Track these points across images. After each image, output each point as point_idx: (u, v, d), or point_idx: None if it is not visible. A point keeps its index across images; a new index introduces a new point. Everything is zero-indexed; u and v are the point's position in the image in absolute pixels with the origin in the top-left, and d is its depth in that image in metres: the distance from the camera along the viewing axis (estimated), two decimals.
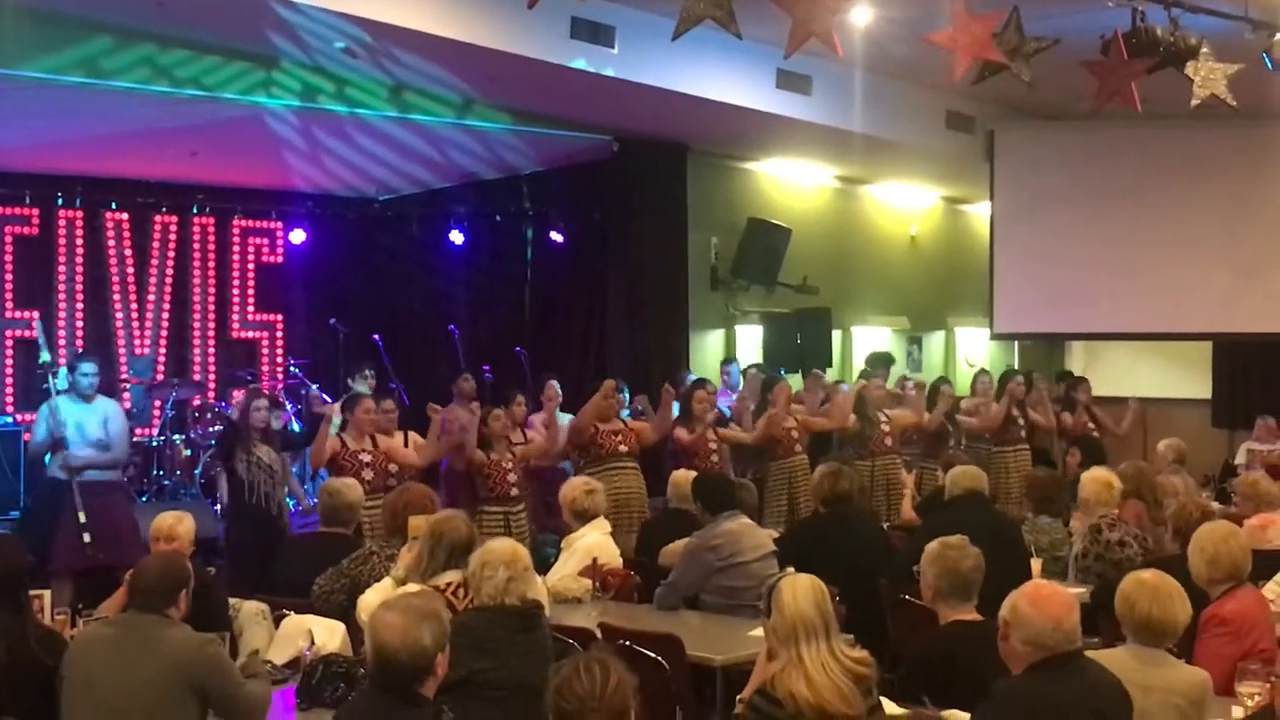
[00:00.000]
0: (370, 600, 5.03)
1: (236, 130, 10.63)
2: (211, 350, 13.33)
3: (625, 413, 9.37)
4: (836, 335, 13.37)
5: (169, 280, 13.00)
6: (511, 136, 11.48)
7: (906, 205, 15.16)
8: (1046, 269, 12.76)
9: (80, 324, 12.48)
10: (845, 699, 3.83)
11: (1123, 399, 11.65)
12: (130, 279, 12.74)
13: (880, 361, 11.24)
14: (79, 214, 12.34)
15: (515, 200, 12.90)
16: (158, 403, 12.00)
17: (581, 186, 12.36)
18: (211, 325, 13.33)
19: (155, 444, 11.27)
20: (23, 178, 11.80)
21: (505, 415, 8.43)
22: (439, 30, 8.46)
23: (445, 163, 12.38)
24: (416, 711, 3.50)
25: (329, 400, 9.80)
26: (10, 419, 11.49)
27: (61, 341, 12.29)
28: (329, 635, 5.03)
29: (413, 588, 4.71)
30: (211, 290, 13.31)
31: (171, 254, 13.01)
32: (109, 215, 12.57)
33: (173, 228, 12.99)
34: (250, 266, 13.60)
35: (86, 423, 8.14)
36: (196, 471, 11.24)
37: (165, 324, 12.99)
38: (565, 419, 9.14)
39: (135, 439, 10.38)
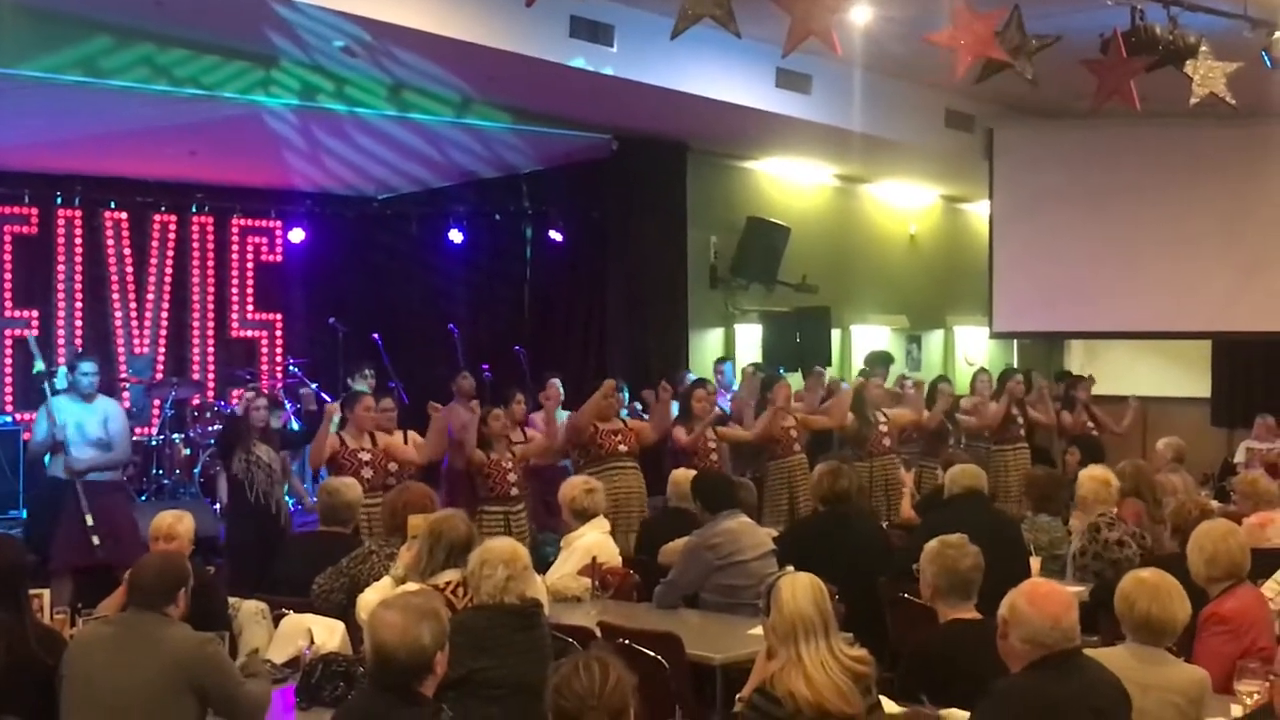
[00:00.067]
0: (369, 599, 5.02)
1: (235, 129, 10.63)
2: (211, 349, 13.34)
3: (624, 412, 9.36)
4: (836, 334, 13.37)
5: (168, 279, 13.01)
6: (511, 135, 11.48)
7: (906, 204, 15.16)
8: (1046, 267, 12.76)
9: (79, 323, 12.49)
10: (844, 697, 3.84)
11: (1122, 397, 11.65)
12: (129, 278, 12.75)
13: (879, 360, 11.23)
14: (78, 213, 12.35)
15: (514, 199, 12.91)
16: (157, 402, 12.01)
17: (581, 185, 12.36)
18: (211, 324, 13.35)
19: (154, 443, 11.27)
20: (22, 177, 11.80)
21: (505, 415, 8.42)
22: (438, 29, 8.47)
23: (444, 162, 12.38)
24: (416, 710, 3.50)
25: (328, 399, 9.79)
26: (9, 418, 11.50)
27: (61, 341, 12.30)
28: (328, 634, 5.03)
29: (412, 586, 4.71)
30: (210, 289, 13.32)
31: (170, 253, 13.02)
32: (108, 214, 12.57)
33: (172, 227, 13.00)
34: (249, 265, 13.61)
35: (87, 422, 8.13)
36: (196, 471, 11.24)
37: (164, 323, 13.00)
38: (563, 416, 9.13)
39: (135, 438, 10.38)
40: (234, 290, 13.49)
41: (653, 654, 5.03)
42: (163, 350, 12.98)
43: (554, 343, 12.42)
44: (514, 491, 8.15)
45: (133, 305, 12.79)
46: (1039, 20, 6.81)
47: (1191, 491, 8.62)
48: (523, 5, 6.34)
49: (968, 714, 3.80)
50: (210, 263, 13.31)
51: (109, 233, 12.62)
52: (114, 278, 12.66)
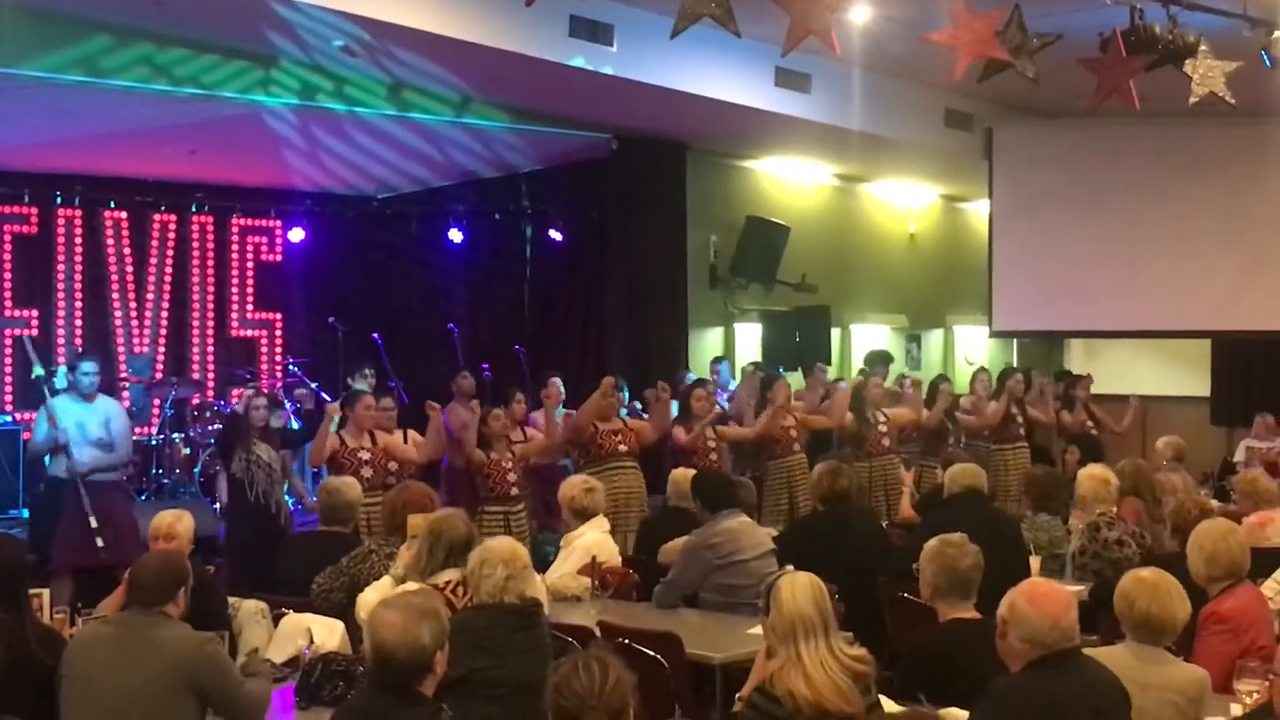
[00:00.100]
0: (369, 598, 5.02)
1: (235, 129, 10.63)
2: (210, 349, 13.35)
3: (623, 411, 9.36)
4: (835, 333, 13.38)
5: (168, 279, 13.01)
6: (510, 135, 11.49)
7: (905, 203, 15.17)
8: (1045, 266, 12.77)
9: (79, 323, 12.50)
10: (844, 697, 3.84)
11: (1122, 397, 11.66)
12: (129, 277, 12.75)
13: (879, 360, 11.23)
14: (78, 213, 12.35)
15: (514, 198, 12.91)
16: (157, 401, 12.01)
17: (580, 185, 12.37)
18: (210, 324, 13.35)
19: (154, 443, 11.27)
20: (21, 176, 11.81)
21: (505, 414, 8.42)
22: (438, 29, 8.47)
23: (444, 161, 12.38)
24: (415, 710, 3.50)
25: (328, 399, 9.79)
26: (9, 418, 11.50)
27: (61, 340, 12.31)
28: (328, 634, 5.03)
29: (412, 586, 4.71)
30: (210, 289, 13.32)
31: (170, 252, 13.02)
32: (108, 214, 12.58)
33: (171, 226, 13.01)
34: (249, 265, 13.61)
35: (88, 422, 8.12)
36: (195, 470, 11.25)
37: (164, 322, 13.01)
38: (562, 414, 9.13)
39: (134, 438, 10.38)
40: (234, 290, 13.49)
41: (652, 653, 5.02)
42: (162, 350, 12.99)
43: (554, 342, 12.43)
44: (514, 491, 8.16)
45: (132, 305, 12.79)
46: (1038, 20, 6.81)
47: (1191, 491, 8.62)
48: (522, 5, 6.34)
49: (967, 713, 3.80)
50: (210, 262, 13.31)
51: (109, 232, 12.62)
52: (114, 277, 12.67)
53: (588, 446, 8.70)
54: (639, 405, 9.70)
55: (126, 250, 12.72)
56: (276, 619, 5.28)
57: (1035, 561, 6.42)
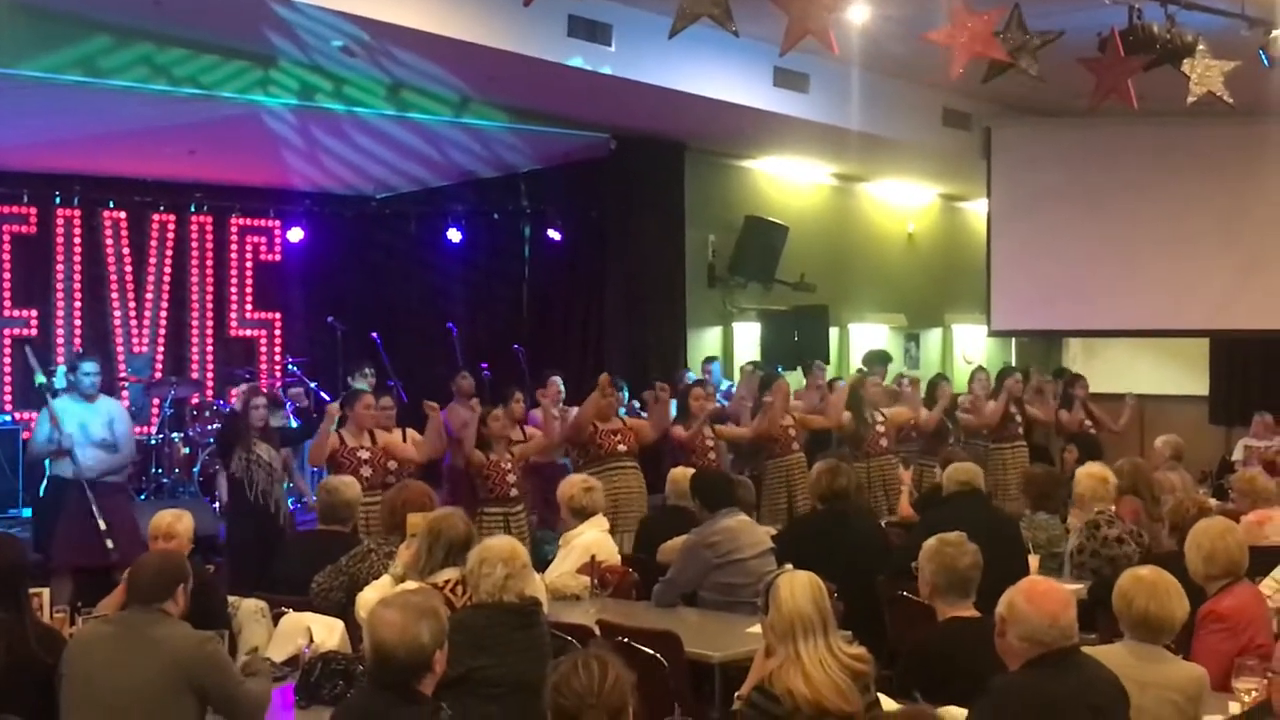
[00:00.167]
0: (369, 597, 5.03)
1: (234, 129, 10.63)
2: (210, 348, 13.35)
3: (622, 410, 9.35)
4: (834, 333, 13.39)
5: (167, 279, 13.01)
6: (509, 135, 11.49)
7: (904, 202, 15.17)
8: (1044, 266, 12.77)
9: (78, 323, 12.49)
10: (843, 695, 3.84)
11: (1120, 396, 11.66)
12: (128, 277, 12.75)
13: (877, 359, 11.24)
14: (77, 213, 12.35)
15: (513, 198, 12.92)
16: (156, 401, 12.01)
17: (579, 184, 12.37)
18: (210, 323, 13.35)
19: (154, 442, 11.26)
20: (20, 176, 11.80)
21: (505, 415, 8.41)
22: (436, 29, 8.47)
23: (443, 161, 12.38)
24: (415, 709, 3.51)
25: (327, 398, 9.79)
26: (9, 418, 11.50)
27: (60, 340, 12.31)
28: (328, 633, 5.03)
29: (411, 585, 4.72)
30: (209, 288, 13.32)
31: (169, 252, 13.02)
32: (107, 214, 12.58)
33: (170, 226, 13.01)
34: (248, 265, 13.61)
35: (90, 423, 8.11)
36: (195, 469, 11.25)
37: (163, 322, 13.01)
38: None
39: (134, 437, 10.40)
40: (233, 289, 13.49)
41: (651, 652, 5.03)
42: (162, 349, 12.99)
43: (553, 342, 12.43)
44: (513, 493, 8.15)
45: (131, 304, 12.79)
46: (1037, 19, 6.81)
47: (1190, 489, 8.62)
48: (520, 5, 6.34)
49: (965, 712, 3.80)
50: (209, 262, 13.31)
51: (108, 232, 12.62)
52: (113, 277, 12.67)
53: (587, 446, 8.69)
54: (638, 405, 9.70)
55: (125, 250, 12.72)
56: (276, 618, 5.28)
57: (1034, 560, 6.42)
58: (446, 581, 4.82)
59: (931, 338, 15.59)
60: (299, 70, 9.57)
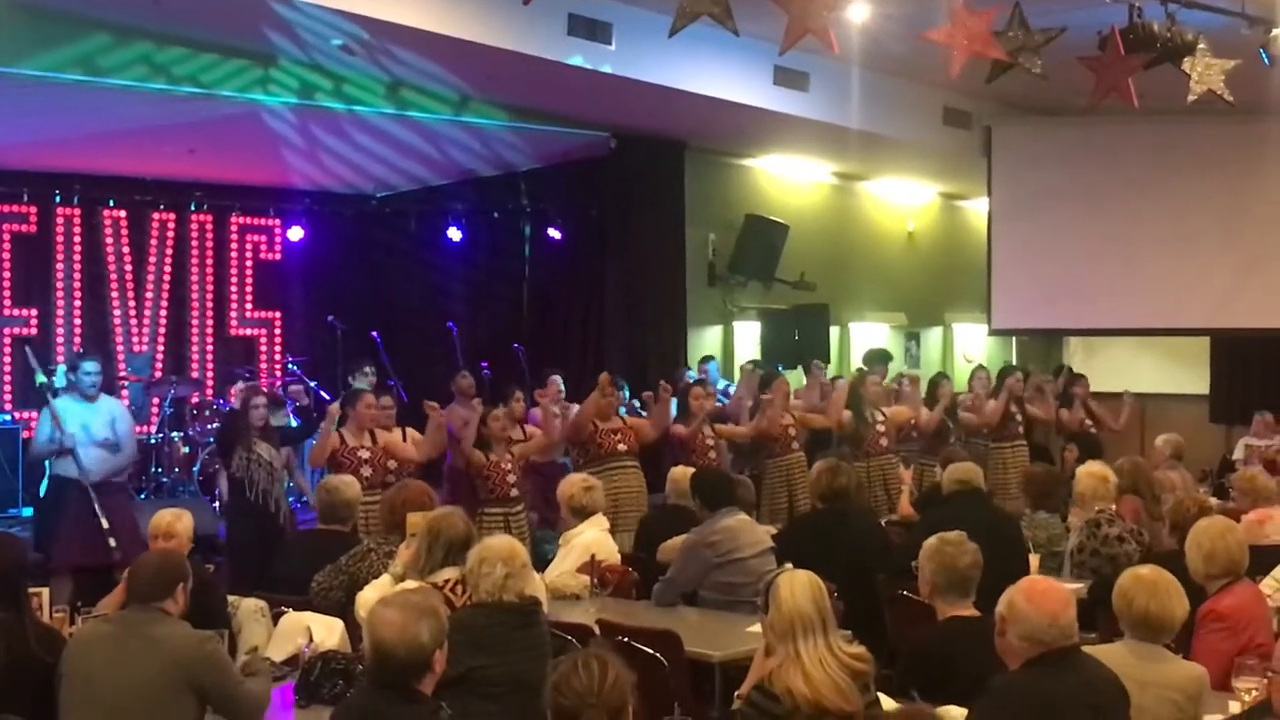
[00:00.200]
0: (368, 597, 5.02)
1: (234, 128, 10.63)
2: (210, 347, 13.35)
3: (621, 409, 9.35)
4: (834, 331, 13.39)
5: (167, 278, 13.01)
6: (509, 133, 11.48)
7: (904, 201, 15.17)
8: (1044, 264, 12.77)
9: (78, 322, 12.49)
10: (843, 695, 3.84)
11: (1120, 394, 11.65)
12: (128, 276, 12.75)
13: (878, 358, 11.23)
14: (77, 212, 12.35)
15: (513, 197, 12.91)
16: (156, 400, 12.02)
17: (579, 183, 12.36)
18: (210, 322, 13.35)
19: (153, 441, 11.26)
20: (20, 175, 11.80)
21: (505, 414, 8.40)
22: (436, 27, 8.47)
23: (443, 160, 12.38)
24: (414, 708, 3.51)
25: (327, 398, 9.78)
26: (9, 417, 11.50)
27: (60, 339, 12.30)
28: (327, 632, 5.03)
29: (411, 584, 4.71)
30: (209, 287, 13.31)
31: (169, 251, 13.02)
32: (107, 213, 12.57)
33: (170, 225, 13.00)
34: (248, 264, 13.61)
35: (92, 423, 8.10)
36: (195, 469, 11.25)
37: (163, 321, 13.00)
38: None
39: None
40: (233, 288, 13.49)
41: (651, 651, 5.03)
42: (161, 348, 12.98)
43: (553, 341, 12.43)
44: (513, 492, 8.14)
45: (131, 303, 12.79)
46: (1038, 18, 6.80)
47: (1190, 488, 8.60)
48: (520, 3, 6.34)
49: (965, 711, 3.80)
50: (209, 261, 13.30)
51: (108, 231, 12.61)
52: (113, 276, 12.66)
53: (587, 445, 8.69)
54: (638, 404, 9.69)
55: (125, 249, 12.72)
56: (276, 617, 5.28)
57: (1034, 559, 6.42)
58: (446, 581, 4.82)
59: (932, 337, 15.59)
60: (299, 69, 9.56)
